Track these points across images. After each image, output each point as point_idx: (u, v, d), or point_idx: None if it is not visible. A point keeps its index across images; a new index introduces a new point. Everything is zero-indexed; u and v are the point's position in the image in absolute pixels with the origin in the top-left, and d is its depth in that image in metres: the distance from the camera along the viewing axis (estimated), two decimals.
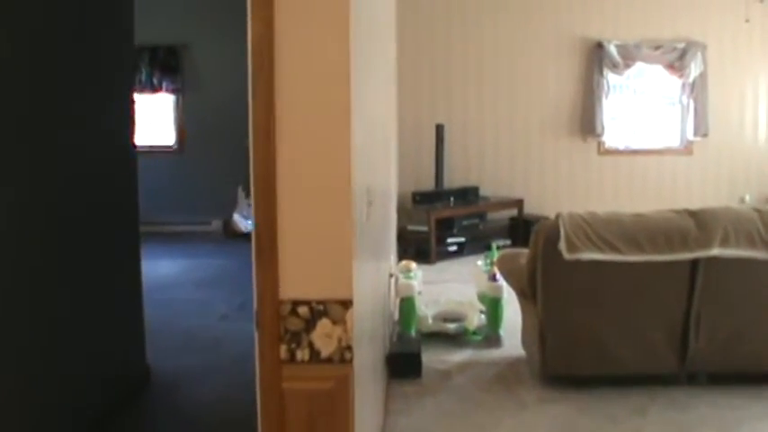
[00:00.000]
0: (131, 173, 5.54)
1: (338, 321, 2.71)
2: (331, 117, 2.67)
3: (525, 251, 6.01)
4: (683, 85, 11.31)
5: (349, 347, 2.72)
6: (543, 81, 11.15)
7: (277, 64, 2.65)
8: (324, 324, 2.71)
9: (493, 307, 6.58)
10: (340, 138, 2.67)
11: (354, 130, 2.75)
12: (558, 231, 5.11)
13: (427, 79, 10.99)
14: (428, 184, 10.57)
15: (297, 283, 2.70)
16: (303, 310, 2.69)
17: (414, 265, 6.99)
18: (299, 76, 2.66)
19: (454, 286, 8.45)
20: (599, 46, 10.95)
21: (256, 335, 2.74)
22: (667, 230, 5.12)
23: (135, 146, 5.62)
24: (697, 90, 11.17)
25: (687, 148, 11.45)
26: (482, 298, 6.80)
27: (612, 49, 10.90)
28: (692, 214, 5.24)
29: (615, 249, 5.08)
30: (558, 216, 5.25)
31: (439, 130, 10.42)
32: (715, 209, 5.33)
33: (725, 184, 11.52)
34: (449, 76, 11.02)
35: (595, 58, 11.00)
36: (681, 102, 11.46)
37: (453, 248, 10.19)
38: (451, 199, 10.44)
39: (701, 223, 5.15)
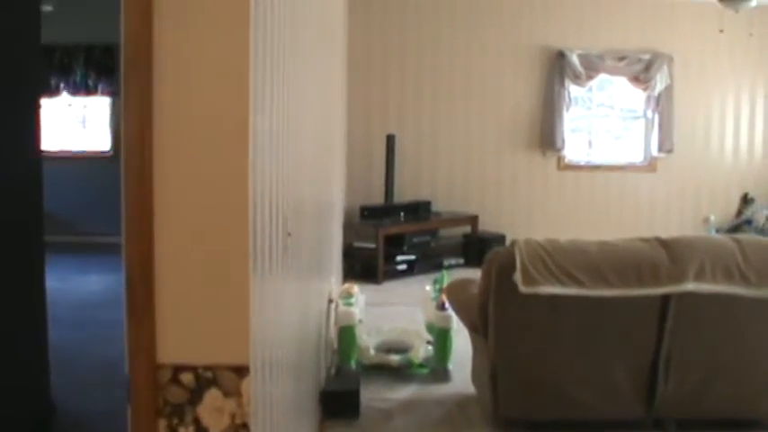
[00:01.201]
0: (35, 186, 4.93)
1: (231, 393, 2.17)
2: (225, 133, 2.10)
3: (477, 279, 5.48)
4: (648, 99, 10.81)
5: (245, 425, 2.17)
6: (501, 92, 10.62)
7: (156, 67, 2.09)
8: (213, 395, 2.18)
9: (441, 338, 6.03)
10: (235, 160, 2.12)
11: (259, 148, 2.19)
12: (514, 261, 4.54)
13: (378, 88, 10.43)
14: (377, 199, 10.02)
15: (179, 344, 2.19)
16: (187, 377, 2.18)
17: (356, 289, 6.44)
18: (183, 81, 2.09)
19: (402, 310, 7.91)
20: (560, 55, 10.44)
21: (129, 408, 2.19)
22: (636, 262, 4.58)
23: (41, 156, 5.01)
24: (662, 104, 10.68)
25: (651, 165, 10.96)
26: (430, 328, 6.24)
27: (575, 59, 10.38)
28: (665, 244, 4.69)
29: (578, 282, 4.52)
30: (513, 243, 4.67)
31: (390, 141, 9.86)
32: (689, 238, 4.79)
33: (689, 202, 11.06)
34: (402, 85, 10.47)
35: (556, 69, 10.48)
36: (645, 116, 10.97)
37: (403, 267, 9.64)
38: (402, 214, 9.90)
39: (674, 255, 4.61)
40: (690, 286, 4.54)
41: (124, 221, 2.11)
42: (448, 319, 5.98)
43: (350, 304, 6.10)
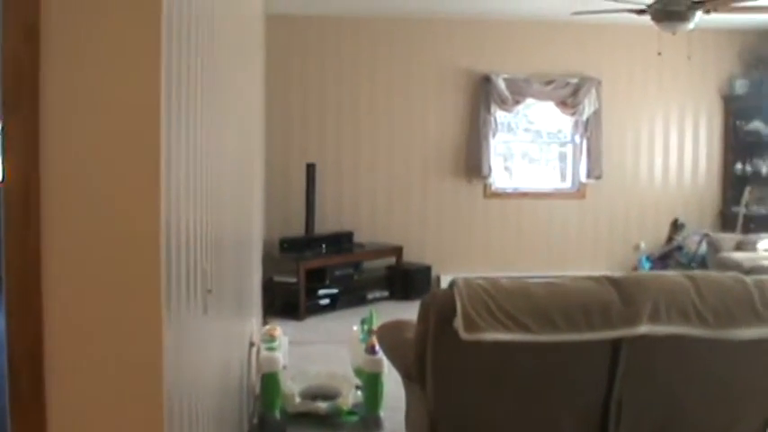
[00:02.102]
0: None
1: None
2: (131, 177, 1.69)
3: (410, 321, 5.08)
4: (576, 124, 10.57)
5: None
6: (425, 118, 10.30)
7: (44, 94, 1.67)
8: None
9: (372, 383, 5.64)
10: (144, 210, 1.70)
11: (173, 192, 1.79)
12: (454, 305, 4.16)
13: (298, 115, 10.03)
14: (298, 230, 9.60)
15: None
16: None
17: (278, 330, 6.01)
18: (78, 115, 1.66)
19: (326, 350, 7.53)
20: (486, 80, 10.14)
21: None
22: (586, 304, 4.22)
23: None
24: (591, 129, 10.44)
25: (580, 191, 10.72)
26: (359, 372, 5.85)
27: (501, 84, 10.09)
28: (615, 284, 4.34)
29: (524, 328, 4.14)
30: (452, 285, 4.28)
31: (310, 169, 9.47)
32: (642, 277, 4.46)
33: (619, 229, 10.83)
34: (322, 111, 10.09)
35: (482, 94, 10.19)
36: (573, 141, 10.73)
37: (325, 302, 9.25)
38: (323, 246, 9.51)
39: (626, 295, 4.26)
40: (643, 329, 4.20)
41: (5, 294, 1.68)
42: (378, 363, 5.60)
43: (272, 348, 5.68)
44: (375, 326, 5.75)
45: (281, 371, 5.62)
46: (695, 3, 6.45)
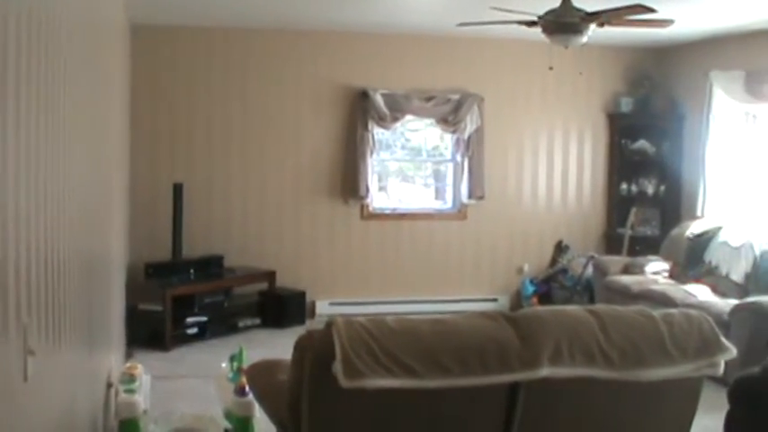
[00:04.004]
0: None
1: None
2: None
3: (284, 361, 4.57)
4: (458, 142, 10.13)
5: None
6: (299, 135, 9.76)
7: None
8: None
9: (242, 428, 5.11)
10: None
11: None
12: (332, 348, 3.65)
13: (166, 132, 9.39)
14: (164, 254, 8.96)
15: None
16: None
17: (139, 369, 5.46)
18: None
19: (193, 385, 6.97)
20: (364, 95, 9.64)
21: None
22: (480, 345, 3.77)
23: None
24: (473, 147, 10.02)
25: (461, 212, 10.29)
26: (228, 415, 5.30)
27: (379, 100, 9.60)
28: (513, 321, 3.90)
29: (411, 373, 3.66)
30: (330, 325, 3.77)
31: (177, 189, 8.87)
32: (541, 313, 4.02)
33: (502, 251, 10.45)
34: (191, 128, 9.47)
35: (359, 110, 9.69)
36: (454, 160, 10.30)
37: (194, 331, 8.65)
38: (192, 271, 8.92)
39: (525, 334, 3.82)
40: (544, 371, 3.77)
41: None
42: (249, 405, 5.09)
43: (132, 391, 5.12)
44: (245, 363, 5.22)
45: (141, 416, 5.04)
46: (589, 15, 6.11)
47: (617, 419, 4.12)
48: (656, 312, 4.18)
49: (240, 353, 5.53)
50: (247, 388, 5.01)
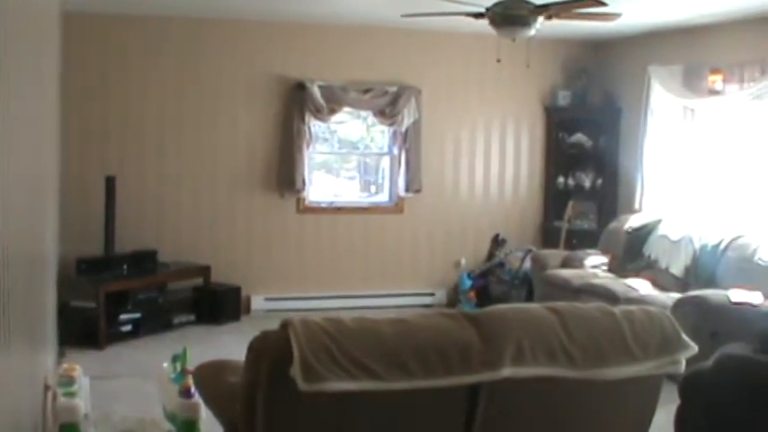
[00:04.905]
0: None
1: None
2: None
3: (233, 362, 4.43)
4: (395, 135, 10.04)
5: None
6: (234, 127, 9.58)
7: None
8: None
9: (187, 430, 4.93)
10: None
11: None
12: (290, 350, 3.51)
13: (98, 123, 9.14)
14: (97, 249, 8.72)
15: None
16: None
17: (77, 370, 5.26)
18: None
19: (131, 384, 6.78)
20: (300, 87, 9.48)
21: None
22: (442, 345, 3.67)
23: None
24: (410, 140, 9.93)
25: (398, 206, 10.20)
26: (171, 418, 5.12)
27: (316, 92, 9.44)
28: (474, 320, 3.79)
29: (372, 375, 3.54)
30: (287, 326, 3.62)
31: (110, 183, 8.64)
32: (502, 312, 3.92)
33: (439, 245, 10.38)
34: (124, 120, 9.23)
35: (296, 102, 9.52)
36: (391, 153, 10.20)
37: (128, 328, 8.44)
38: (125, 267, 8.69)
39: (486, 334, 3.72)
40: (507, 372, 3.68)
41: None
42: (195, 407, 4.92)
43: (72, 394, 4.94)
44: (189, 364, 5.05)
45: (82, 420, 4.85)
46: (538, 8, 6.04)
47: (578, 418, 4.06)
48: (617, 309, 4.11)
49: (184, 353, 5.37)
50: (193, 389, 4.85)
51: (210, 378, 4.45)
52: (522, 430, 3.95)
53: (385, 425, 3.74)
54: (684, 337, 4.07)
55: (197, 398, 4.82)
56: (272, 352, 3.60)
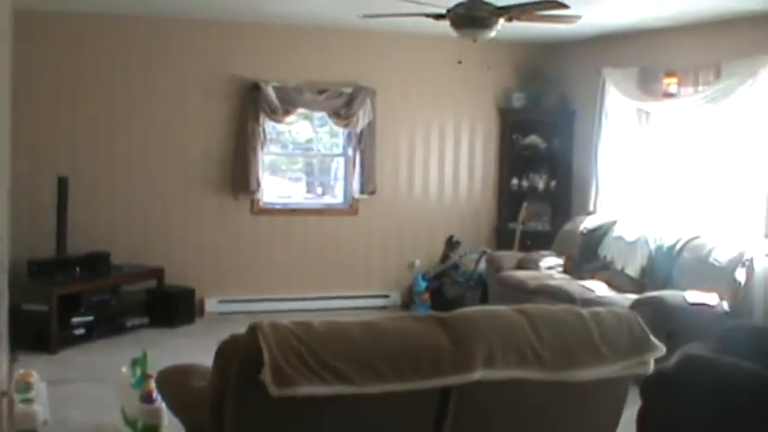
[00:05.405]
0: None
1: None
2: None
3: (197, 366, 4.38)
4: (350, 136, 10.00)
5: None
6: (188, 128, 9.49)
7: None
8: None
9: None
10: None
11: None
12: (260, 354, 3.46)
13: (49, 123, 9.01)
14: (48, 251, 8.60)
15: None
16: None
17: (34, 376, 5.16)
18: None
19: (87, 390, 6.70)
20: (255, 88, 9.41)
21: None
22: (413, 348, 3.65)
23: None
24: (365, 141, 9.90)
25: (353, 207, 10.16)
26: (132, 424, 5.04)
27: (270, 92, 9.38)
28: (443, 323, 3.77)
29: (344, 379, 3.50)
30: (256, 329, 3.56)
31: (62, 184, 8.53)
32: (472, 315, 3.91)
33: (393, 247, 10.37)
34: (76, 119, 9.11)
35: (250, 103, 9.46)
36: (346, 154, 10.16)
37: (80, 331, 8.32)
38: (77, 269, 8.56)
39: (457, 336, 3.70)
40: (478, 375, 3.66)
41: None
42: (157, 413, 4.84)
43: (29, 400, 4.83)
44: (150, 369, 4.97)
45: (41, 427, 4.77)
46: (499, 9, 6.03)
47: (548, 420, 4.06)
48: (585, 311, 4.12)
49: (144, 357, 5.28)
50: (155, 394, 4.78)
51: (174, 383, 4.39)
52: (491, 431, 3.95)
53: (356, 428, 3.70)
54: (652, 338, 4.09)
55: (159, 403, 4.75)
56: (241, 356, 3.54)
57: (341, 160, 10.33)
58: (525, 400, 3.93)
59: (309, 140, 10.52)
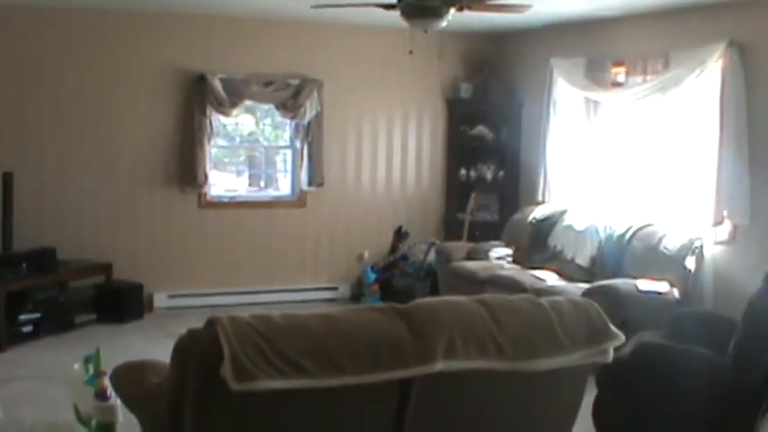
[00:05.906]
0: None
1: None
2: None
3: (152, 362, 4.33)
4: (298, 128, 9.91)
5: None
6: (134, 121, 9.35)
7: None
8: None
9: None
10: None
11: None
12: (219, 348, 3.42)
13: None
14: None
15: None
16: None
17: None
18: None
19: (36, 388, 6.60)
20: (201, 80, 9.31)
21: None
22: (372, 340, 3.63)
23: None
24: (312, 133, 9.83)
25: (300, 200, 10.09)
26: (86, 422, 4.97)
27: (217, 84, 9.28)
28: (403, 314, 3.76)
29: (303, 372, 3.47)
30: (215, 323, 3.53)
31: (7, 179, 8.39)
32: (431, 305, 3.91)
33: (342, 239, 10.31)
34: (20, 113, 8.96)
35: (197, 95, 9.36)
36: (294, 146, 10.09)
37: (28, 329, 8.18)
38: (24, 266, 8.40)
39: (417, 328, 3.70)
40: (439, 366, 3.65)
41: None
42: (112, 410, 4.75)
43: None
44: (104, 365, 4.90)
45: None
46: None
47: (509, 409, 4.08)
48: (544, 300, 4.13)
49: (97, 353, 5.18)
50: (110, 391, 4.71)
51: (130, 379, 4.33)
52: (453, 422, 3.95)
53: (317, 421, 3.69)
54: (612, 326, 4.11)
55: (114, 400, 4.69)
56: (200, 351, 3.51)
57: (287, 152, 10.26)
58: (486, 390, 3.93)
59: (252, 133, 10.47)
